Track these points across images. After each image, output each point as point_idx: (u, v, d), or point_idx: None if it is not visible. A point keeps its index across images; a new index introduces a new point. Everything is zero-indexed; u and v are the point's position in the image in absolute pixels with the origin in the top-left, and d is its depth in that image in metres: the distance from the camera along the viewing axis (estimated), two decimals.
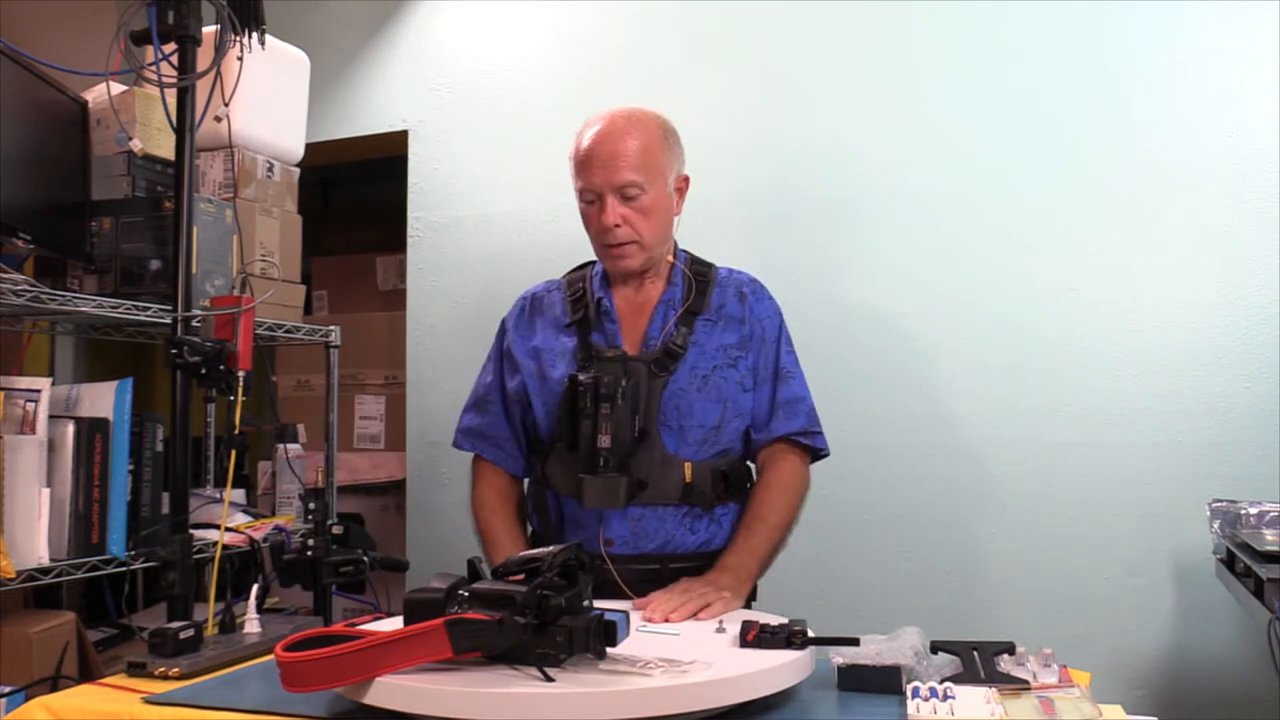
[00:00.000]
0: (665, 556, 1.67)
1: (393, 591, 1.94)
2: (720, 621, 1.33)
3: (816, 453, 1.78)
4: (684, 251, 1.83)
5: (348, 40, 3.13)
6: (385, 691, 1.07)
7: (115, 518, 2.01)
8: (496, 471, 1.83)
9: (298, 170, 2.67)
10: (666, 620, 1.39)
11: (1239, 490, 2.09)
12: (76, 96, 2.20)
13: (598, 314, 1.75)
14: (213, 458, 2.82)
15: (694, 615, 1.42)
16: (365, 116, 3.11)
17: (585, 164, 1.69)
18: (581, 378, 1.61)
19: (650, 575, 1.65)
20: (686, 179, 1.77)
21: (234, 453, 1.66)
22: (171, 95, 1.71)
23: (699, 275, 1.77)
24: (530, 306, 1.84)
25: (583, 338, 1.74)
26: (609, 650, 1.11)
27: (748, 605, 1.70)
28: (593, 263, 1.84)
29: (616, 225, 1.67)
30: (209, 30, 1.69)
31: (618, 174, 1.66)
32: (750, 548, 1.66)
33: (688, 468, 1.66)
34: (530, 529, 1.81)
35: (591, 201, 1.70)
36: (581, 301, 1.77)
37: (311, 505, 1.57)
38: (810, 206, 2.57)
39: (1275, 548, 1.64)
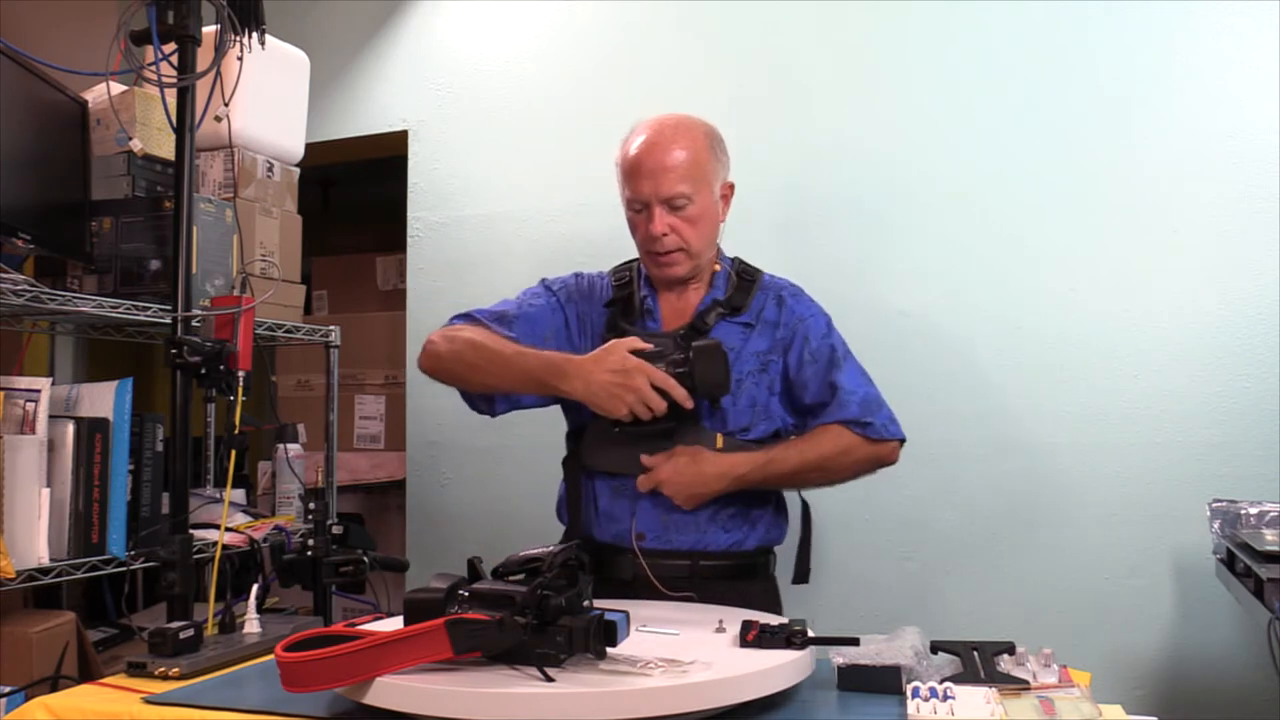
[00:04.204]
0: (696, 553, 1.67)
1: (393, 591, 1.93)
2: (720, 621, 1.33)
3: (883, 439, 1.71)
4: (731, 258, 1.83)
5: (348, 40, 3.12)
6: (385, 691, 1.07)
7: (115, 518, 2.01)
8: None
9: (298, 170, 2.67)
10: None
11: (1239, 490, 2.09)
12: (76, 96, 2.20)
13: (641, 311, 1.75)
14: (213, 458, 2.82)
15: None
16: (365, 116, 3.11)
17: (633, 174, 1.69)
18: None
19: (681, 572, 1.65)
20: (732, 186, 1.78)
21: (234, 453, 1.66)
22: (171, 95, 1.71)
23: (744, 276, 1.78)
24: (590, 289, 1.83)
25: (610, 321, 1.75)
26: (609, 650, 1.11)
27: (775, 608, 1.73)
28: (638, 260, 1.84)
29: (664, 234, 1.67)
30: (209, 30, 1.69)
31: (665, 185, 1.66)
32: (752, 455, 1.66)
33: (719, 439, 1.66)
34: (564, 527, 1.80)
35: (639, 210, 1.71)
36: (626, 288, 1.79)
37: (311, 505, 1.57)
38: (807, 206, 2.56)
39: (1275, 548, 1.64)
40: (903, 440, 1.73)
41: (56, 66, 1.90)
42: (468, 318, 1.78)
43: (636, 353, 1.58)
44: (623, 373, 1.56)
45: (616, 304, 1.78)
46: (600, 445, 1.70)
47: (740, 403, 1.69)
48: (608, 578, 1.66)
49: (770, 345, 1.73)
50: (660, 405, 1.56)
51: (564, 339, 1.78)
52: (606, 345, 1.62)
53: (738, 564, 1.70)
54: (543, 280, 1.87)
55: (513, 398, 1.76)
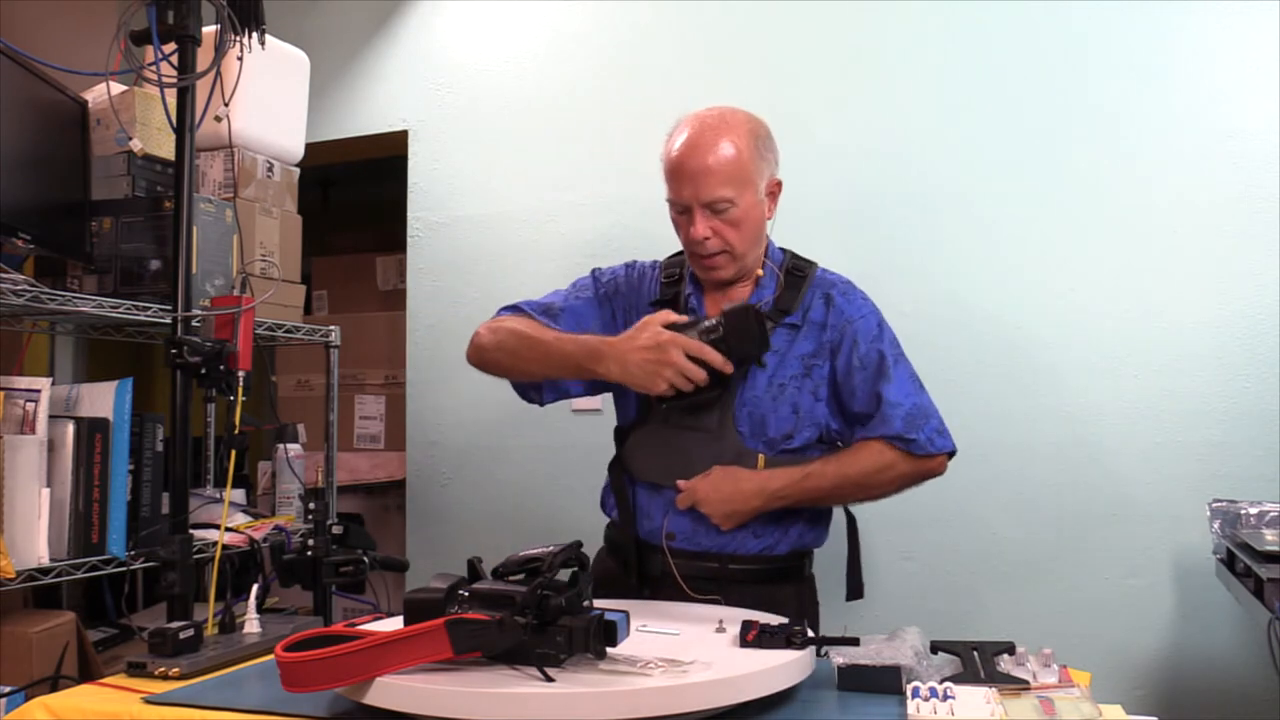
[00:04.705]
0: (725, 556, 1.65)
1: (393, 591, 1.94)
2: (720, 621, 1.33)
3: (928, 454, 1.65)
4: (783, 251, 1.79)
5: (348, 40, 3.13)
6: (385, 691, 1.07)
7: (115, 518, 2.01)
8: None
9: (298, 170, 2.67)
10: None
11: (1239, 490, 2.09)
12: (76, 96, 2.20)
13: (685, 312, 1.73)
14: (213, 458, 2.82)
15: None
16: (365, 116, 3.11)
17: (674, 175, 1.67)
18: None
19: (709, 573, 1.64)
20: (779, 183, 1.73)
21: (234, 453, 1.66)
22: (171, 95, 1.70)
23: (795, 272, 1.74)
24: (640, 282, 1.81)
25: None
26: (609, 650, 1.11)
27: (812, 621, 1.72)
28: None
29: (706, 238, 1.65)
30: (209, 30, 1.69)
31: (706, 189, 1.62)
32: (789, 470, 1.63)
33: (761, 460, 1.65)
34: (609, 520, 1.80)
35: (681, 212, 1.68)
36: (674, 286, 1.77)
37: (311, 505, 1.57)
38: (805, 208, 2.56)
39: (1275, 548, 1.64)
40: (952, 452, 1.68)
41: (56, 66, 1.90)
42: (515, 309, 1.78)
43: (669, 325, 1.56)
44: (656, 348, 1.54)
45: (661, 305, 1.75)
46: (642, 454, 1.70)
47: (782, 409, 1.66)
48: (641, 574, 1.68)
49: (816, 348, 1.69)
50: (699, 375, 1.54)
51: (610, 333, 1.76)
52: (639, 323, 1.59)
53: (768, 568, 1.68)
54: (593, 271, 1.85)
55: (560, 386, 1.76)
